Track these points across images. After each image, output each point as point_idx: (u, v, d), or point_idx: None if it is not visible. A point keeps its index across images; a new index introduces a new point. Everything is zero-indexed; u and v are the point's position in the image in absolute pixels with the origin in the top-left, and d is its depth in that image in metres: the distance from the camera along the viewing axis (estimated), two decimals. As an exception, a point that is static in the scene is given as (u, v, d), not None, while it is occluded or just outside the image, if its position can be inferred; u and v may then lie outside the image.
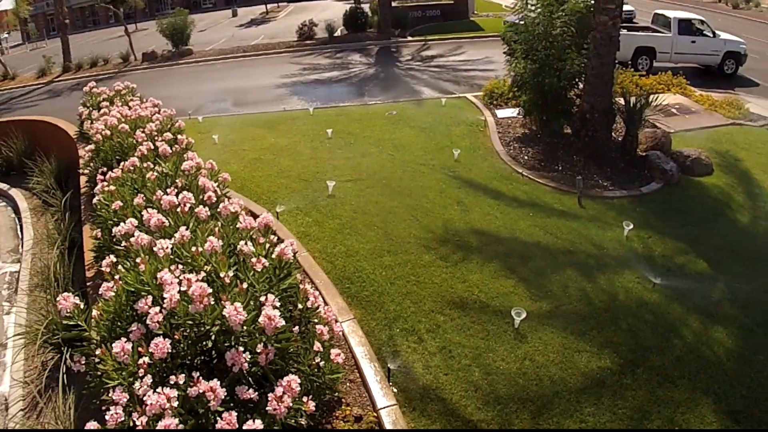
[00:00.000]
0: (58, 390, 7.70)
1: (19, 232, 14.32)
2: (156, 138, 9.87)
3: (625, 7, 30.38)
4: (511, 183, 14.50)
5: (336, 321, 6.43)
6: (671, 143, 16.40)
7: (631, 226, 12.00)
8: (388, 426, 7.09)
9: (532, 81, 17.04)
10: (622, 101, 16.33)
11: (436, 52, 33.98)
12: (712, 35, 27.02)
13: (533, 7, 17.26)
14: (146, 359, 4.83)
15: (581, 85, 16.88)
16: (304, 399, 5.05)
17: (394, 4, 41.81)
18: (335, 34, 39.90)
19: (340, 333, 7.11)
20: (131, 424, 4.56)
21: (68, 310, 5.47)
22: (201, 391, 4.53)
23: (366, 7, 42.76)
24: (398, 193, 13.49)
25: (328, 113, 20.93)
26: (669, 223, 12.87)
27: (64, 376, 7.88)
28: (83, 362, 5.38)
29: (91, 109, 13.75)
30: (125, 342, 4.88)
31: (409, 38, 38.85)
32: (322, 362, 5.70)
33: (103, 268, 6.37)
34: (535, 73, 16.94)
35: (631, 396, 7.99)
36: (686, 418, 7.65)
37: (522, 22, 17.58)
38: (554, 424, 7.48)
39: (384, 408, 7.33)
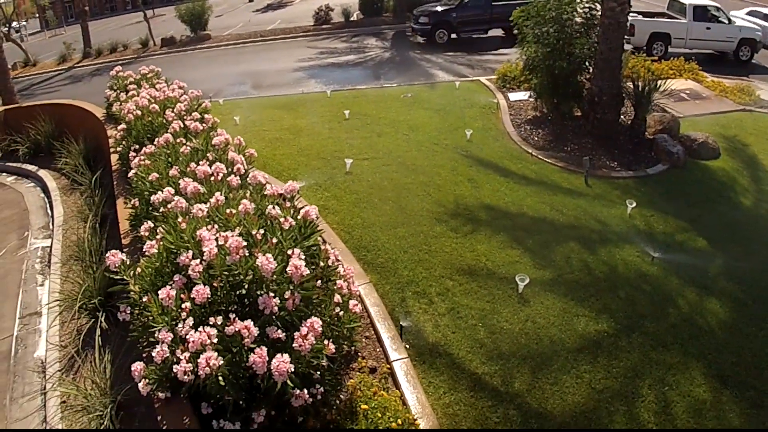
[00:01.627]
0: (94, 351, 8.16)
1: (48, 211, 14.78)
2: (185, 117, 10.44)
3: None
4: (520, 162, 15.01)
5: (353, 280, 7.07)
6: (679, 127, 16.76)
7: (634, 204, 12.47)
8: (399, 377, 7.80)
9: (543, 64, 17.51)
10: (631, 85, 16.77)
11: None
12: (727, 22, 26.93)
13: None
14: (188, 305, 5.48)
15: (591, 69, 17.29)
16: (325, 342, 5.71)
17: (410, -12, 41.93)
18: (351, 19, 40.10)
19: (357, 292, 7.74)
20: (174, 359, 5.24)
21: (116, 265, 6.15)
22: (237, 329, 5.20)
23: (382, -10, 42.97)
24: (412, 170, 14.07)
25: (345, 95, 21.43)
26: (672, 202, 13.31)
27: (99, 338, 8.44)
28: (128, 312, 6.07)
29: (118, 91, 14.22)
30: (169, 289, 5.54)
31: (425, 22, 38.93)
32: (342, 312, 6.32)
33: (141, 233, 7.01)
34: (545, 56, 17.39)
35: (625, 357, 8.58)
36: (677, 379, 8.22)
37: None
38: (552, 378, 8.11)
39: (396, 361, 8.07)
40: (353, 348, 8.07)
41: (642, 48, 26.65)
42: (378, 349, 8.38)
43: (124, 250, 9.07)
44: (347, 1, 41.65)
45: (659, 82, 17.04)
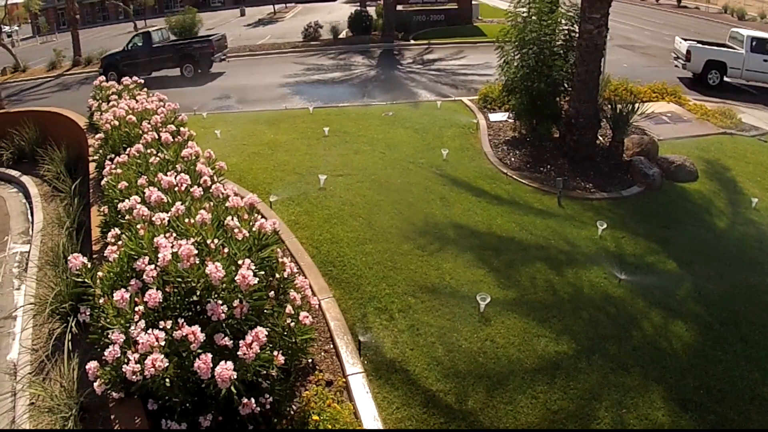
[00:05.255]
0: (63, 354, 8.33)
1: (29, 216, 14.96)
2: (160, 129, 10.62)
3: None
4: (494, 182, 15.07)
5: (312, 292, 7.22)
6: (658, 150, 16.81)
7: (605, 226, 12.47)
8: (354, 390, 7.92)
9: (522, 85, 17.62)
10: (610, 107, 16.90)
11: (437, 56, 34.47)
12: None
13: (527, 12, 17.79)
14: (141, 308, 5.70)
15: (570, 91, 17.41)
16: (275, 353, 5.87)
17: (398, 7, 42.19)
18: (340, 36, 40.56)
19: (317, 306, 7.87)
20: (125, 360, 5.40)
21: (77, 268, 6.34)
22: (184, 334, 5.38)
23: (371, 10, 43.34)
24: (385, 188, 14.17)
25: (327, 112, 21.59)
26: (644, 224, 13.31)
27: (69, 342, 8.59)
28: (88, 313, 6.24)
29: (100, 101, 14.44)
30: (124, 292, 5.75)
31: (412, 42, 39.35)
32: (293, 323, 6.47)
33: (108, 239, 7.22)
34: (524, 77, 17.53)
35: (584, 379, 8.59)
36: (635, 402, 8.21)
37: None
38: (507, 398, 8.17)
39: (352, 374, 8.18)
40: (311, 361, 8.22)
41: (697, 75, 26.69)
42: (336, 363, 8.49)
43: (94, 255, 9.26)
44: (337, 19, 42.02)
45: (637, 104, 17.16)
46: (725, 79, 26.49)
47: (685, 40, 27.37)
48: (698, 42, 27.26)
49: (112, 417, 5.87)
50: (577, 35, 16.69)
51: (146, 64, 32.78)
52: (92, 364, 5.75)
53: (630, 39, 37.81)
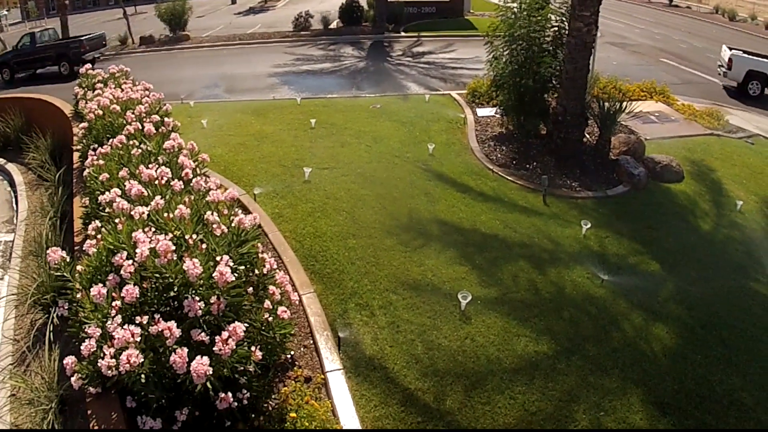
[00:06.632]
0: (44, 346, 8.29)
1: (14, 205, 14.86)
2: (144, 119, 10.57)
3: None
4: (480, 178, 15.03)
5: (293, 287, 7.26)
6: (644, 149, 16.81)
7: (589, 225, 12.46)
8: (333, 388, 7.96)
9: (510, 81, 17.54)
10: (597, 106, 16.86)
11: (427, 49, 34.41)
12: None
13: (517, 8, 17.69)
14: (118, 303, 5.70)
15: (558, 88, 17.36)
16: (252, 349, 5.86)
17: (390, -1, 42.29)
18: (330, 27, 40.44)
19: (297, 301, 7.86)
20: (101, 355, 5.39)
21: (56, 262, 6.33)
22: (160, 329, 5.38)
23: (363, 0, 43.21)
24: (370, 182, 14.13)
25: (314, 104, 21.49)
26: (628, 224, 13.29)
27: (51, 334, 8.54)
28: (66, 307, 6.23)
29: (86, 89, 14.32)
30: (101, 287, 5.74)
31: (403, 34, 39.32)
32: (271, 318, 6.46)
33: (88, 232, 7.20)
34: (513, 73, 17.47)
35: (562, 380, 8.58)
36: (613, 405, 8.21)
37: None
38: (485, 398, 8.17)
39: (331, 371, 8.22)
40: (290, 357, 8.24)
41: (737, 84, 25.99)
42: (315, 359, 8.52)
43: (76, 247, 9.22)
44: (328, 9, 41.87)
45: (625, 103, 17.09)
46: (766, 91, 25.60)
47: (731, 49, 26.51)
48: (743, 51, 26.39)
49: (89, 412, 5.87)
50: (566, 32, 16.65)
51: (32, 63, 35.08)
52: (69, 359, 5.77)
53: (621, 37, 37.83)
